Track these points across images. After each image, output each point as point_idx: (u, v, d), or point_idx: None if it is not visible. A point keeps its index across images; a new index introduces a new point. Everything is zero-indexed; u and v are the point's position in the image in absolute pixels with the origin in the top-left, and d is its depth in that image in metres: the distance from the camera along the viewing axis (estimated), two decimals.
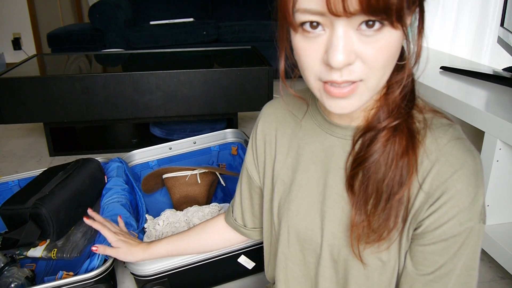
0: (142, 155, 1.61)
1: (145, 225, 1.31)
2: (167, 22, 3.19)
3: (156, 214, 1.36)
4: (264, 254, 0.80)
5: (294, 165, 0.67)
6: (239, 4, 3.56)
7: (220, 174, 1.54)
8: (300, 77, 0.57)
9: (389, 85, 0.55)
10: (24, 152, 2.16)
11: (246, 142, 1.66)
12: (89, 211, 1.03)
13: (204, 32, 3.12)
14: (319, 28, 0.47)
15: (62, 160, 2.05)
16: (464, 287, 0.57)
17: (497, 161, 1.17)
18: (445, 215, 0.53)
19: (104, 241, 1.00)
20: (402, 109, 0.55)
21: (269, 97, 2.01)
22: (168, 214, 1.32)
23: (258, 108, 0.76)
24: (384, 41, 0.46)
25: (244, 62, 2.25)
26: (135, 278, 1.11)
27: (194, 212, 1.33)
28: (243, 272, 1.19)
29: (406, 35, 0.48)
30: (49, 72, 2.16)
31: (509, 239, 1.19)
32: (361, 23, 0.45)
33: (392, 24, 0.45)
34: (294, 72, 0.57)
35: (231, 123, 2.16)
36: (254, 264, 1.17)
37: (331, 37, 0.46)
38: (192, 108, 2.00)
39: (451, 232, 0.53)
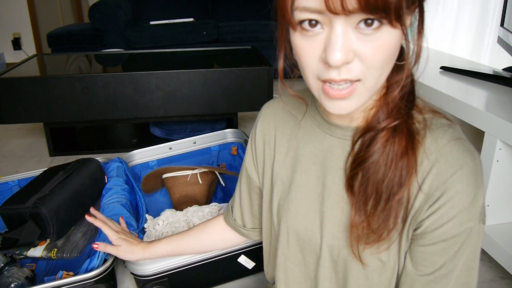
0: (142, 155, 1.61)
1: (145, 225, 1.31)
2: (167, 22, 3.19)
3: (156, 214, 1.36)
4: (264, 254, 0.80)
5: (293, 165, 0.67)
6: (239, 4, 3.56)
7: (220, 174, 1.54)
8: (300, 77, 0.57)
9: (389, 85, 0.55)
10: (24, 152, 2.16)
11: (246, 142, 1.66)
12: (92, 210, 1.03)
13: (204, 32, 3.12)
14: (318, 26, 0.47)
15: (62, 160, 2.05)
16: None
17: (497, 161, 1.17)
18: (445, 215, 0.53)
19: (105, 240, 1.00)
20: (402, 109, 0.54)
21: (269, 97, 2.01)
22: (168, 214, 1.32)
23: (258, 108, 0.76)
24: (383, 40, 0.46)
25: (244, 62, 2.25)
26: (135, 278, 1.11)
27: (194, 212, 1.33)
28: (243, 272, 1.19)
29: (405, 35, 0.48)
30: (49, 72, 2.16)
31: (509, 239, 1.19)
32: (359, 22, 0.45)
33: (390, 23, 0.45)
34: (293, 72, 0.57)
35: (231, 123, 2.16)
36: (254, 264, 1.17)
37: (330, 36, 0.46)
38: (192, 108, 2.00)
39: (451, 233, 0.53)
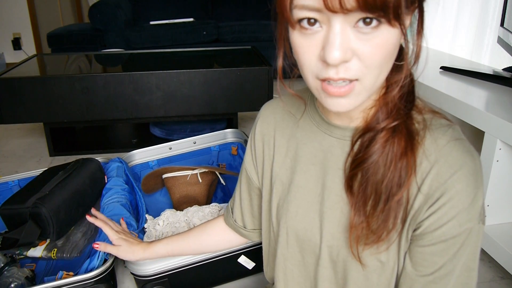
0: (142, 155, 1.61)
1: (145, 225, 1.31)
2: (167, 22, 3.19)
3: (156, 214, 1.36)
4: (263, 254, 0.80)
5: (293, 165, 0.67)
6: (239, 4, 3.56)
7: (220, 174, 1.54)
8: (299, 76, 0.57)
9: (388, 85, 0.55)
10: (24, 152, 2.16)
11: (246, 142, 1.66)
12: (93, 210, 1.03)
13: (204, 32, 3.12)
14: (317, 24, 0.47)
15: (62, 160, 2.05)
16: None
17: (497, 161, 1.17)
18: (444, 216, 0.53)
19: (105, 240, 1.00)
20: (401, 110, 0.54)
21: (269, 97, 2.01)
22: (168, 214, 1.32)
23: (258, 108, 0.76)
24: (381, 39, 0.46)
25: (244, 62, 2.25)
26: (135, 278, 1.11)
27: (194, 212, 1.33)
28: (243, 272, 1.19)
29: (404, 34, 0.48)
30: (49, 72, 2.16)
31: (509, 239, 1.19)
32: (358, 20, 0.45)
33: (389, 22, 0.45)
34: (293, 71, 0.57)
35: (231, 123, 2.16)
36: (254, 264, 1.17)
37: (328, 34, 0.46)
38: (192, 108, 2.00)
39: (450, 233, 0.53)
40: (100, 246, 0.95)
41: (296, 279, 0.70)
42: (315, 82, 0.51)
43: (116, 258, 1.04)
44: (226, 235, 0.89)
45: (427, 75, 1.59)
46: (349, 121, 0.60)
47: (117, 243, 0.95)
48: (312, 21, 0.47)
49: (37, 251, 1.22)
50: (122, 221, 1.11)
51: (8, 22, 3.83)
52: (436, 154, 0.53)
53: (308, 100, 0.67)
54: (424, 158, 0.54)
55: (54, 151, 2.09)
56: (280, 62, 0.56)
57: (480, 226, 0.54)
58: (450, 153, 0.53)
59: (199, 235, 0.91)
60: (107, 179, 1.40)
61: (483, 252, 1.25)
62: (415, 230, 0.56)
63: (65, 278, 1.01)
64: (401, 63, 0.53)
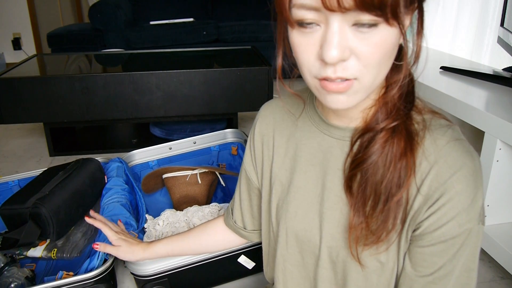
0: (142, 155, 1.61)
1: (145, 225, 1.31)
2: (167, 22, 3.19)
3: (156, 214, 1.36)
4: (263, 255, 0.80)
5: (292, 166, 0.67)
6: (239, 4, 3.56)
7: (220, 174, 1.54)
8: (299, 76, 0.57)
9: (388, 85, 0.55)
10: (24, 152, 2.16)
11: (246, 142, 1.66)
12: (91, 213, 1.03)
13: (204, 32, 3.12)
14: (315, 23, 0.47)
15: (62, 160, 2.05)
16: None
17: (497, 161, 1.17)
18: (444, 216, 0.53)
19: (105, 241, 1.00)
20: (401, 110, 0.54)
21: (269, 97, 2.01)
22: (168, 214, 1.32)
23: (258, 108, 0.76)
24: (379, 38, 0.46)
25: (244, 62, 2.25)
26: (135, 278, 1.11)
27: (194, 212, 1.33)
28: (243, 272, 1.19)
29: (403, 34, 0.48)
30: (49, 72, 2.16)
31: (509, 239, 1.19)
32: (356, 19, 0.45)
33: (387, 21, 0.45)
34: (293, 71, 0.57)
35: (231, 123, 2.16)
36: (254, 264, 1.17)
37: (326, 33, 0.46)
38: (192, 108, 2.00)
39: (450, 234, 0.53)
40: (99, 246, 0.95)
41: (296, 279, 0.70)
42: (313, 81, 0.51)
43: (116, 258, 1.04)
44: (226, 235, 0.89)
45: (427, 75, 1.59)
46: (349, 121, 0.60)
47: (117, 243, 0.95)
48: (308, 21, 0.47)
49: (37, 251, 1.22)
50: (120, 223, 1.10)
51: (8, 22, 3.83)
52: (435, 154, 0.53)
53: (308, 100, 0.67)
54: (423, 159, 0.54)
55: (54, 151, 2.09)
56: (279, 61, 0.56)
57: (480, 226, 0.54)
58: (449, 153, 0.53)
59: (199, 235, 0.91)
60: (107, 179, 1.40)
61: (483, 252, 1.25)
62: (414, 230, 0.56)
63: (65, 278, 1.01)
64: (401, 63, 0.53)
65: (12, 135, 2.38)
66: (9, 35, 3.87)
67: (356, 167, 0.56)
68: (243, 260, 1.15)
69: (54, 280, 1.00)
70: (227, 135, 1.72)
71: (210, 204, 1.38)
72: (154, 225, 1.30)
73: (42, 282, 1.03)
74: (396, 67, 0.53)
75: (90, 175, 1.34)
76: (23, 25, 3.86)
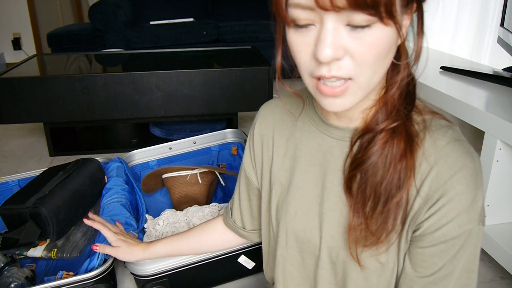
0: (142, 155, 1.61)
1: (145, 225, 1.31)
2: (167, 22, 3.19)
3: (156, 214, 1.36)
4: (263, 255, 0.80)
5: (292, 166, 0.67)
6: (239, 4, 3.56)
7: (220, 173, 1.54)
8: (299, 77, 0.57)
9: (388, 85, 0.55)
10: (24, 152, 2.16)
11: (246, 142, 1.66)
12: (90, 214, 1.03)
13: (204, 32, 3.12)
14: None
15: (62, 160, 2.05)
16: None
17: (497, 161, 1.17)
18: (444, 217, 0.53)
19: (104, 241, 1.00)
20: (401, 111, 0.54)
21: (269, 97, 2.01)
22: (168, 214, 1.32)
23: (258, 108, 0.76)
24: (374, 37, 0.46)
25: (244, 62, 2.25)
26: (135, 278, 1.11)
27: (194, 212, 1.33)
28: (243, 272, 1.19)
29: (400, 34, 0.47)
30: (49, 72, 2.16)
31: (509, 239, 1.19)
32: (350, 19, 0.45)
33: (382, 20, 0.45)
34: (293, 72, 0.57)
35: (231, 123, 2.16)
36: (254, 264, 1.17)
37: (320, 32, 0.46)
38: (192, 108, 2.00)
39: (450, 234, 0.53)
40: (99, 247, 0.95)
41: (296, 280, 0.70)
42: (310, 80, 0.51)
43: (116, 258, 1.04)
44: (225, 235, 0.89)
45: (427, 75, 1.59)
46: (349, 121, 0.60)
47: (116, 244, 0.95)
48: (305, 21, 0.47)
49: (37, 251, 1.22)
50: (118, 224, 1.10)
51: (8, 22, 3.83)
52: (435, 155, 0.53)
53: (307, 100, 0.67)
54: (423, 159, 0.54)
55: (54, 151, 2.09)
56: (278, 60, 0.56)
57: (480, 227, 0.54)
58: (450, 154, 0.53)
59: (199, 235, 0.91)
60: (107, 179, 1.40)
61: (483, 252, 1.25)
62: (414, 231, 0.56)
63: (65, 278, 1.01)
64: (401, 63, 0.52)
65: (12, 135, 2.38)
66: (9, 35, 3.87)
67: (355, 168, 0.56)
68: (243, 260, 1.15)
69: (54, 280, 1.00)
70: (227, 135, 1.72)
71: (210, 204, 1.38)
72: (154, 225, 1.30)
73: (42, 282, 1.03)
74: (396, 67, 0.53)
75: (90, 175, 1.34)
76: (23, 25, 3.86)
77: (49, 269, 1.22)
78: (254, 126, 0.74)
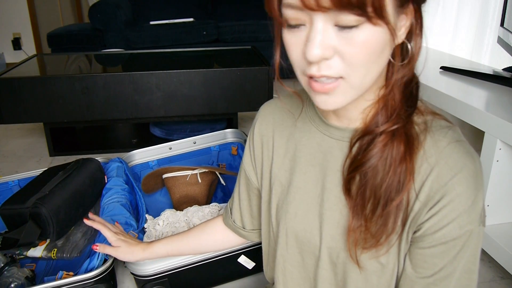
0: (142, 155, 1.61)
1: (145, 225, 1.31)
2: (167, 22, 3.19)
3: (156, 214, 1.36)
4: (263, 255, 0.79)
5: (292, 166, 0.67)
6: (239, 4, 3.56)
7: (220, 173, 1.54)
8: None
9: (388, 86, 0.54)
10: (24, 152, 2.16)
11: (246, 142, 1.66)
12: (90, 215, 1.03)
13: (204, 32, 3.12)
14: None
15: (62, 160, 2.05)
16: None
17: (497, 161, 1.17)
18: (445, 218, 0.53)
19: (104, 241, 1.00)
20: (402, 114, 0.54)
21: (269, 97, 2.01)
22: (168, 214, 1.32)
23: (258, 108, 0.76)
24: (363, 38, 0.46)
25: (244, 62, 2.25)
26: (135, 278, 1.11)
27: (194, 212, 1.33)
28: (243, 272, 1.19)
29: (393, 34, 0.47)
30: (49, 72, 2.16)
31: (509, 239, 1.19)
32: (338, 19, 0.45)
33: (370, 20, 0.45)
34: (293, 72, 0.57)
35: (231, 123, 2.16)
36: (254, 264, 1.17)
37: (310, 32, 0.47)
38: (192, 108, 2.00)
39: (451, 235, 0.53)
40: (99, 247, 0.95)
41: (296, 280, 0.70)
42: (303, 78, 0.52)
43: (116, 258, 1.04)
44: (225, 235, 0.89)
45: (427, 75, 1.59)
46: (348, 122, 0.59)
47: (116, 244, 0.95)
48: (296, 21, 0.48)
49: (37, 251, 1.22)
50: (117, 224, 1.10)
51: (8, 22, 3.83)
52: (436, 156, 0.53)
53: (307, 100, 0.67)
54: (424, 160, 0.54)
55: (54, 151, 2.09)
56: (277, 59, 0.56)
57: (481, 228, 0.54)
58: (450, 155, 0.53)
59: (199, 235, 0.91)
60: (107, 179, 1.40)
61: (483, 252, 1.25)
62: (415, 232, 0.56)
63: (65, 278, 1.01)
64: (399, 63, 0.52)
65: (12, 135, 2.38)
66: (9, 35, 3.87)
67: (354, 170, 0.56)
68: (243, 260, 1.15)
69: (54, 280, 1.00)
70: (227, 135, 1.72)
71: (210, 204, 1.38)
72: (154, 225, 1.30)
73: (42, 282, 1.03)
74: (395, 67, 0.53)
75: (90, 175, 1.34)
76: (23, 25, 3.86)
77: (49, 269, 1.22)
78: (254, 126, 0.74)
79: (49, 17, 4.10)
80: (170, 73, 1.93)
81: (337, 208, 0.61)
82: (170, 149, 1.64)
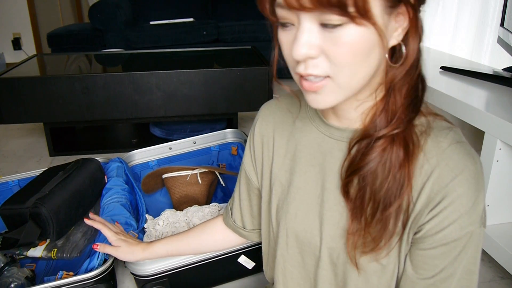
0: (142, 155, 1.61)
1: (145, 225, 1.31)
2: (167, 22, 3.19)
3: (156, 214, 1.36)
4: (263, 254, 0.79)
5: (292, 166, 0.67)
6: (239, 4, 3.56)
7: (220, 174, 1.54)
8: None
9: (388, 87, 0.54)
10: (24, 152, 2.16)
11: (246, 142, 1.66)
12: (90, 214, 1.03)
13: (204, 32, 3.12)
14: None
15: (62, 160, 2.05)
16: None
17: (497, 161, 1.17)
18: (445, 219, 0.53)
19: (105, 241, 1.00)
20: (403, 118, 0.53)
21: (269, 97, 2.01)
22: (168, 214, 1.32)
23: (258, 108, 0.76)
24: (348, 38, 0.46)
25: (244, 62, 2.25)
26: (135, 278, 1.11)
27: (194, 212, 1.33)
28: (243, 272, 1.19)
29: (380, 35, 0.46)
30: (49, 72, 2.16)
31: (509, 239, 1.19)
32: (323, 19, 0.45)
33: (353, 20, 0.44)
34: None
35: (231, 123, 2.16)
36: (254, 264, 1.17)
37: (297, 31, 0.48)
38: (192, 108, 2.00)
39: (451, 237, 0.53)
40: (99, 247, 0.95)
41: (296, 280, 0.70)
42: (296, 77, 0.53)
43: (116, 258, 1.04)
44: (225, 235, 0.89)
45: (427, 75, 1.59)
46: (349, 122, 0.59)
47: (116, 244, 0.95)
48: (285, 21, 0.48)
49: (37, 251, 1.22)
50: (117, 224, 1.10)
51: (8, 22, 3.83)
52: (437, 157, 0.53)
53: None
54: (425, 161, 0.53)
55: (54, 151, 2.09)
56: (275, 57, 0.56)
57: (481, 229, 0.54)
58: (451, 156, 0.53)
59: (199, 235, 0.91)
60: (107, 179, 1.40)
61: (483, 252, 1.24)
62: (416, 233, 0.56)
63: (65, 278, 1.01)
64: (396, 65, 0.52)
65: (12, 135, 2.38)
66: (9, 35, 3.87)
67: (352, 173, 0.56)
68: (243, 260, 1.15)
69: (54, 280, 1.00)
70: (227, 135, 1.72)
71: (210, 204, 1.38)
72: (154, 225, 1.30)
73: (42, 282, 1.03)
74: (388, 69, 0.53)
75: (90, 175, 1.34)
76: (23, 25, 3.86)
77: (49, 269, 1.22)
78: (254, 126, 0.74)
79: (49, 17, 4.10)
80: (170, 73, 1.93)
81: (337, 209, 0.61)
82: (170, 149, 1.64)
